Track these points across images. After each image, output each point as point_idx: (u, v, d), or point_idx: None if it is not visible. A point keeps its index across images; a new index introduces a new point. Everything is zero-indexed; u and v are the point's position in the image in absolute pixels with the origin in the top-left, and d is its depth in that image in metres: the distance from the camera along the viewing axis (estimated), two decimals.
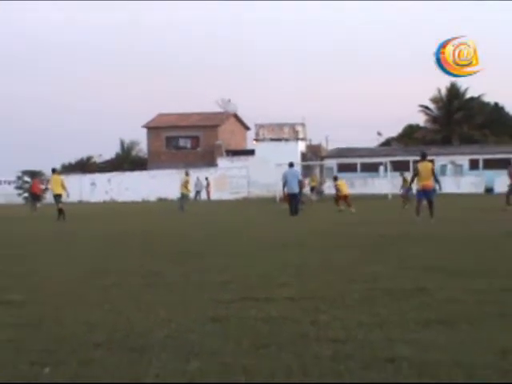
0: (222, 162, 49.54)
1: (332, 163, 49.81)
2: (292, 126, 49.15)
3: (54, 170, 22.27)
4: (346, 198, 23.49)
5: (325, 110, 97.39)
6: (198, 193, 42.96)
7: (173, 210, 27.22)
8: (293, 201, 20.70)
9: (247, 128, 60.02)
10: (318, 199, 36.01)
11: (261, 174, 45.12)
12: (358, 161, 49.56)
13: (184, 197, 27.05)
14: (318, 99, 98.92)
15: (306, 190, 34.31)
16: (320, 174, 47.56)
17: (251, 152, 49.90)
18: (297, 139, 48.45)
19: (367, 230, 13.31)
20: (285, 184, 20.88)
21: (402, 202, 25.79)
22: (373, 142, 62.07)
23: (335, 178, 25.84)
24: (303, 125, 49.86)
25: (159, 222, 19.74)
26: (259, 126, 49.61)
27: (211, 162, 50.26)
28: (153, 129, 54.47)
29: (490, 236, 11.39)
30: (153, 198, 47.28)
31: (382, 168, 47.40)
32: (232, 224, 17.49)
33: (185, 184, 27.00)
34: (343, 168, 49.20)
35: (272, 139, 48.57)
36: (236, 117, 57.85)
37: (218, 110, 56.07)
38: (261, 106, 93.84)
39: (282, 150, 45.61)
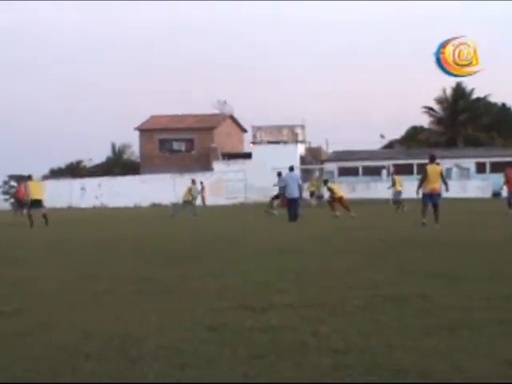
0: (218, 166, 49.59)
1: (332, 167, 49.85)
2: (291, 128, 49.22)
3: (29, 177, 21.87)
4: (341, 200, 23.17)
5: (325, 111, 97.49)
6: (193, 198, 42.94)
7: (166, 215, 27.35)
8: (292, 206, 20.70)
9: (244, 130, 60.09)
10: (317, 204, 36.06)
11: (258, 178, 45.16)
12: (360, 164, 49.61)
13: (190, 203, 28.04)
14: (318, 100, 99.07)
15: (305, 194, 34.38)
16: (320, 178, 47.65)
17: (248, 155, 49.94)
18: (296, 142, 48.51)
19: (368, 235, 13.38)
20: (284, 188, 20.89)
21: (397, 207, 25.91)
22: (375, 144, 62.02)
23: (325, 182, 25.88)
24: (302, 127, 49.92)
25: (153, 227, 19.78)
26: (256, 128, 49.67)
27: (206, 166, 50.30)
28: (145, 131, 54.52)
29: (495, 240, 11.47)
30: (145, 203, 47.28)
31: (384, 171, 47.46)
32: (228, 229, 17.55)
33: (190, 192, 28.22)
34: (344, 172, 49.30)
35: (270, 142, 48.62)
36: (232, 119, 57.93)
37: (214, 111, 56.17)
38: (258, 108, 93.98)
39: (281, 153, 45.67)
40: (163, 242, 13.22)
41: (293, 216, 20.46)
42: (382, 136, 62.53)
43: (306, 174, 44.99)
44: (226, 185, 47.98)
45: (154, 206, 46.48)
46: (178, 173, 48.17)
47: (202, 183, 44.47)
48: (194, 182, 29.82)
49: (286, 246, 11.54)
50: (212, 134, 53.00)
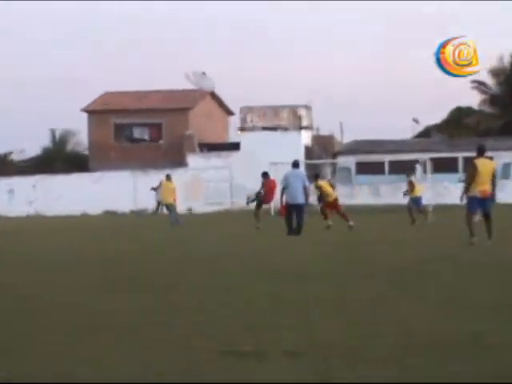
0: (195, 161, 49.48)
1: (348, 162, 49.75)
2: (292, 110, 49.17)
3: None
4: (334, 204, 23.31)
5: (338, 87, 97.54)
6: (160, 203, 42.82)
7: (123, 225, 27.32)
8: (294, 215, 20.64)
9: (230, 112, 60.01)
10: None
11: (248, 176, 45.06)
12: (386, 158, 49.52)
13: (173, 207, 28.27)
14: (329, 72, 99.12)
15: (313, 199, 34.35)
16: (332, 177, 47.57)
17: (235, 146, 49.87)
18: (299, 128, 48.49)
19: (396, 253, 13.52)
20: (285, 190, 20.77)
21: (411, 218, 26.09)
22: (406, 131, 62.14)
23: (316, 176, 25.86)
24: (308, 108, 49.88)
25: (108, 243, 19.85)
26: (246, 110, 49.57)
27: (179, 160, 50.14)
28: (96, 113, 54.37)
29: None
30: (97, 210, 47.08)
31: (419, 168, 47.44)
32: (209, 244, 17.61)
33: (172, 191, 28.79)
34: (364, 169, 49.16)
35: (264, 128, 48.56)
36: (214, 96, 57.80)
37: (189, 87, 55.98)
38: (249, 83, 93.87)
39: (279, 143, 45.59)
40: (117, 262, 13.32)
41: (295, 229, 20.41)
42: (416, 120, 62.61)
43: (313, 172, 44.93)
44: (205, 186, 47.83)
45: (108, 213, 46.34)
46: (140, 169, 48.05)
47: (161, 181, 44.08)
48: (168, 177, 29.78)
49: (285, 267, 11.61)
50: (186, 116, 52.87)
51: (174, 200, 29.45)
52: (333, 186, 24.93)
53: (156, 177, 41.05)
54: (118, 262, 13.71)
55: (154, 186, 41.44)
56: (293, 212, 20.66)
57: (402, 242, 17.13)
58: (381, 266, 11.69)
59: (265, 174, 26.37)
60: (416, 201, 26.96)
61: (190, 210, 45.28)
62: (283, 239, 19.23)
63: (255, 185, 41.15)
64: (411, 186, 27.44)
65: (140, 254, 15.55)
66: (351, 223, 22.63)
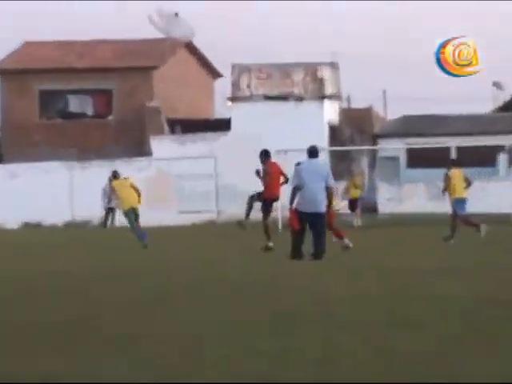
0: (162, 146, 49.80)
1: (395, 148, 49.88)
2: (310, 70, 49.36)
3: None
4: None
5: (377, 35, 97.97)
6: (110, 211, 42.90)
7: (53, 245, 27.36)
8: (308, 228, 20.86)
9: (216, 74, 60.37)
10: (362, 223, 36.23)
11: (243, 170, 45.06)
12: (452, 143, 49.63)
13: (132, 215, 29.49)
14: (363, 15, 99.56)
15: (342, 204, 34.46)
16: (369, 172, 47.63)
17: (224, 124, 50.10)
18: (321, 97, 48.63)
19: (463, 288, 13.87)
20: (297, 191, 20.75)
21: (453, 231, 26.78)
22: (483, 103, 62.25)
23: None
24: (334, 67, 50.07)
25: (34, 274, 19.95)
26: (241, 70, 49.78)
27: (138, 146, 50.43)
28: (12, 74, 54.61)
29: None
30: (13, 221, 47.32)
31: (502, 158, 47.55)
32: (188, 273, 18.16)
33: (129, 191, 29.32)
34: (419, 159, 49.28)
35: (267, 97, 48.82)
36: (191, 50, 58.13)
37: (154, 35, 56.05)
38: (244, 29, 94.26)
39: (290, 119, 45.89)
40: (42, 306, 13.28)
41: (314, 251, 20.62)
42: (499, 86, 62.68)
43: (341, 163, 44.96)
44: (177, 185, 47.96)
45: (30, 226, 46.55)
46: (79, 160, 48.21)
47: (110, 180, 44.06)
48: (116, 175, 30.44)
49: (294, 313, 11.70)
50: (149, 79, 53.15)
51: (138, 202, 29.46)
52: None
53: (102, 171, 41.09)
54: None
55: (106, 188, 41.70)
56: (307, 224, 20.83)
57: (471, 269, 17.46)
58: (442, 306, 11.90)
59: (265, 154, 25.88)
60: (458, 204, 27.26)
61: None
62: (294, 267, 19.35)
63: (254, 185, 41.46)
64: (447, 181, 27.84)
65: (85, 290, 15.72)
66: (348, 243, 22.55)
